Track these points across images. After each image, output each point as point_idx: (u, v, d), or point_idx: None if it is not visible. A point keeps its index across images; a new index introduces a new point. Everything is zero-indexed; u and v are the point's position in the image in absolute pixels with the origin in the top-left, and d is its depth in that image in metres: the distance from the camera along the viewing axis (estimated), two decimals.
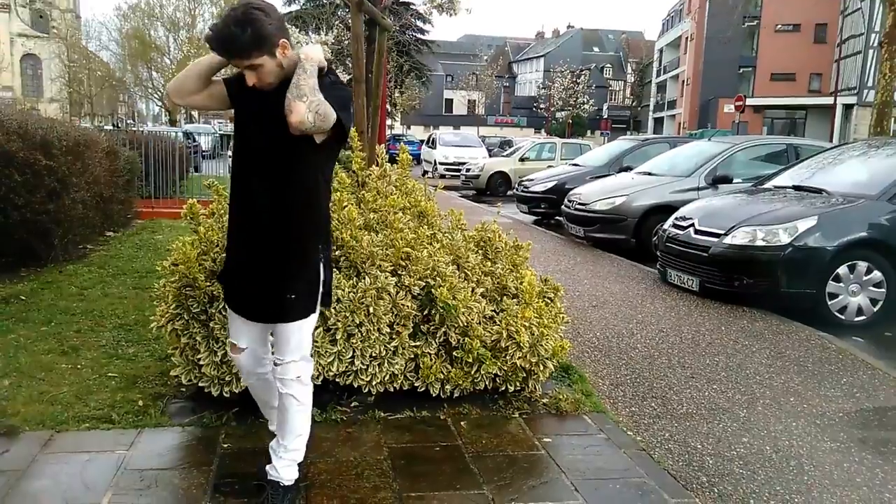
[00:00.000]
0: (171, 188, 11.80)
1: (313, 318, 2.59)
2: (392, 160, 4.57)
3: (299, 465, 2.70)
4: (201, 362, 3.37)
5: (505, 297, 3.80)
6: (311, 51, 2.38)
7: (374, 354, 3.47)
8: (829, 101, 36.05)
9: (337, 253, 3.56)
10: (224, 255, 2.83)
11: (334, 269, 3.42)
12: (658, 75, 67.19)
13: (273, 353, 2.63)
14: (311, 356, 2.69)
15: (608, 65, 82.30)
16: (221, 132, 26.34)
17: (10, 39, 61.99)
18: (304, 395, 2.60)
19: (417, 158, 27.69)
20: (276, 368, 2.58)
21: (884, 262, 5.95)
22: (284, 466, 2.63)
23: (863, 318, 5.95)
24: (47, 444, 3.11)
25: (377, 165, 4.33)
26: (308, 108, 2.24)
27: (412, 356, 3.56)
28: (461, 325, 3.55)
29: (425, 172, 24.93)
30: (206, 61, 2.47)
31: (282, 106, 2.27)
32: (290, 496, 2.63)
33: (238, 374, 3.37)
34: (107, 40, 56.65)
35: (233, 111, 2.58)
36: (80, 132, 7.64)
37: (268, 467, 2.65)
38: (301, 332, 2.54)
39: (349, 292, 3.42)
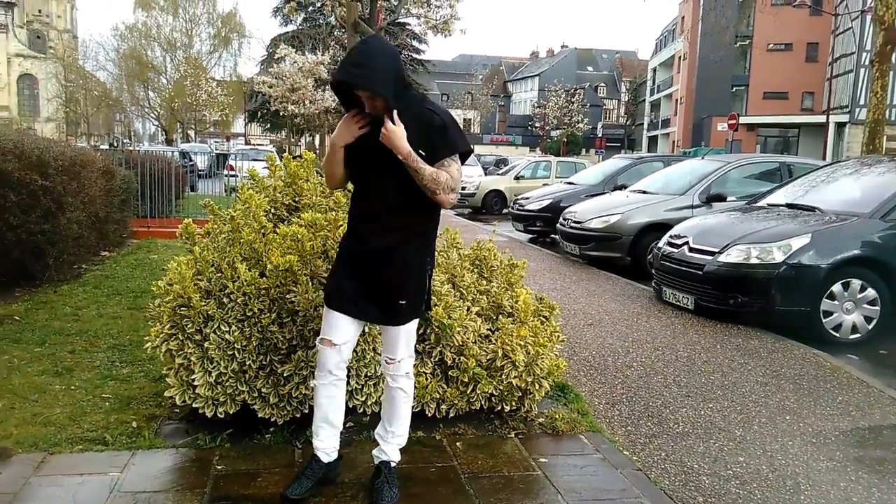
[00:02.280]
0: (166, 208, 11.80)
1: (416, 321, 2.93)
2: None
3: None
4: (196, 383, 3.35)
5: (500, 316, 3.81)
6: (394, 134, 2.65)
7: (369, 374, 3.46)
8: (821, 119, 36.28)
9: None
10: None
11: None
12: (652, 94, 67.68)
13: (382, 353, 2.96)
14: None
15: (602, 84, 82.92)
16: (217, 151, 26.42)
17: (7, 59, 62.30)
18: (411, 387, 2.96)
19: None
20: (388, 366, 2.90)
21: (877, 280, 5.97)
22: (394, 448, 2.97)
23: (857, 335, 5.96)
24: (40, 466, 3.08)
25: None
26: (448, 198, 2.71)
27: None
28: (456, 344, 3.54)
29: None
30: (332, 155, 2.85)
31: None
32: (396, 473, 2.96)
33: (232, 395, 3.36)
34: (104, 60, 56.79)
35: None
36: (76, 152, 7.65)
37: (375, 451, 2.99)
38: (409, 333, 2.90)
39: None
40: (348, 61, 2.64)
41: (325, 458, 2.92)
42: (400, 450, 3.01)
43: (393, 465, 2.95)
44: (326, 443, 2.92)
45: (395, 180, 2.69)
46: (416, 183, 2.67)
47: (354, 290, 2.80)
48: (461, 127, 2.88)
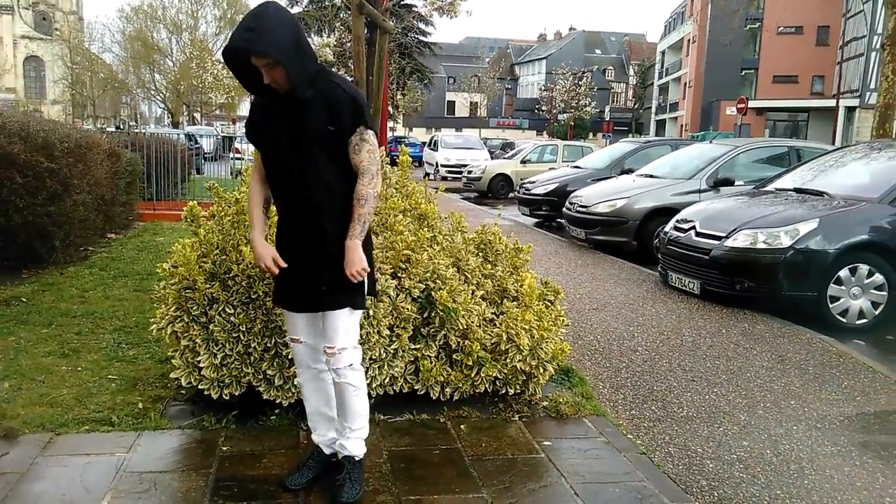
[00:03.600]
0: (172, 190, 11.82)
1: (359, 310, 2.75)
2: (393, 162, 4.56)
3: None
4: (201, 365, 3.37)
5: (505, 300, 3.80)
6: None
7: (373, 357, 3.47)
8: (831, 103, 35.99)
9: None
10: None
11: None
12: (660, 77, 67.18)
13: (324, 345, 2.74)
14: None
15: (610, 67, 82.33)
16: (224, 134, 26.39)
17: (13, 42, 62.19)
18: (359, 379, 2.76)
19: (420, 160, 27.71)
20: (329, 357, 2.70)
21: (885, 265, 5.94)
22: (355, 443, 2.81)
23: (864, 321, 5.94)
24: (47, 446, 3.11)
25: None
26: (378, 188, 2.62)
27: (412, 359, 3.56)
28: (461, 327, 3.54)
29: (427, 175, 24.95)
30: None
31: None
32: (362, 467, 2.86)
33: (238, 377, 3.38)
34: (109, 42, 56.91)
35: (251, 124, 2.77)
36: (82, 134, 7.66)
37: (337, 446, 2.86)
38: (349, 321, 2.70)
39: None
40: (241, 26, 2.46)
41: (327, 451, 2.91)
42: (364, 440, 2.86)
43: (357, 458, 2.82)
44: (325, 436, 2.91)
45: (309, 160, 2.57)
46: (329, 164, 2.58)
47: (287, 283, 2.71)
48: (365, 102, 2.72)
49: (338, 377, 2.71)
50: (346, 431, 2.80)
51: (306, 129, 2.56)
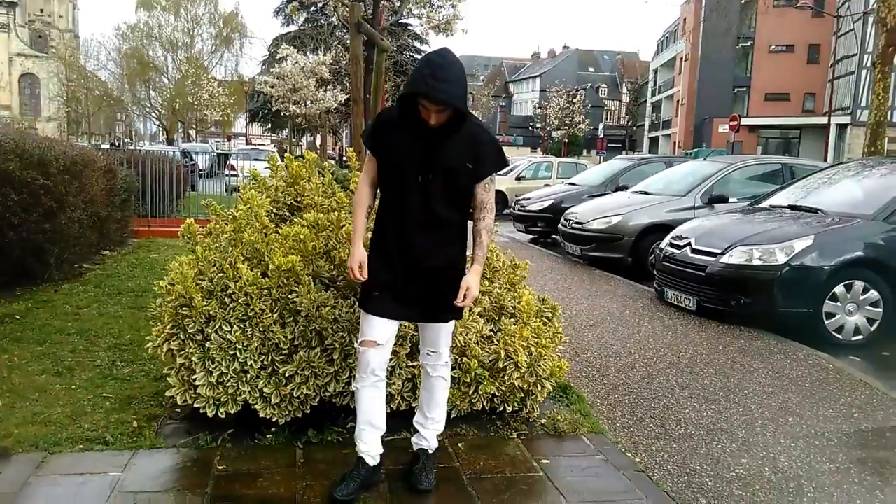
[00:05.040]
0: (168, 207, 11.80)
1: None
2: None
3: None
4: (197, 383, 3.34)
5: (503, 317, 3.79)
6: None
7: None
8: (823, 120, 36.30)
9: (334, 272, 3.55)
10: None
11: (332, 290, 3.45)
12: (653, 95, 67.64)
13: (422, 347, 3.06)
14: None
15: (603, 85, 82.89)
16: (219, 151, 26.42)
17: (9, 59, 62.35)
18: (449, 375, 3.13)
19: None
20: (429, 358, 3.02)
21: (880, 282, 5.95)
22: (433, 435, 3.10)
23: (860, 337, 5.94)
24: (41, 465, 3.08)
25: None
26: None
27: (409, 376, 3.54)
28: (459, 345, 3.53)
29: None
30: None
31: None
32: (435, 458, 3.13)
33: (234, 395, 3.35)
34: (105, 60, 56.82)
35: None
36: (78, 151, 7.64)
37: (414, 439, 3.13)
38: (448, 329, 3.03)
39: (346, 312, 3.41)
40: (429, 74, 2.61)
41: (372, 462, 2.95)
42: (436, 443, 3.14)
43: (431, 451, 3.10)
44: (371, 446, 2.95)
45: (440, 187, 2.79)
46: (462, 189, 2.85)
47: (394, 293, 2.87)
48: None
49: (434, 372, 3.03)
50: (429, 423, 3.08)
51: (446, 161, 2.77)
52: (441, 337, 2.99)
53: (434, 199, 2.80)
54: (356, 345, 2.98)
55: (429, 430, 3.09)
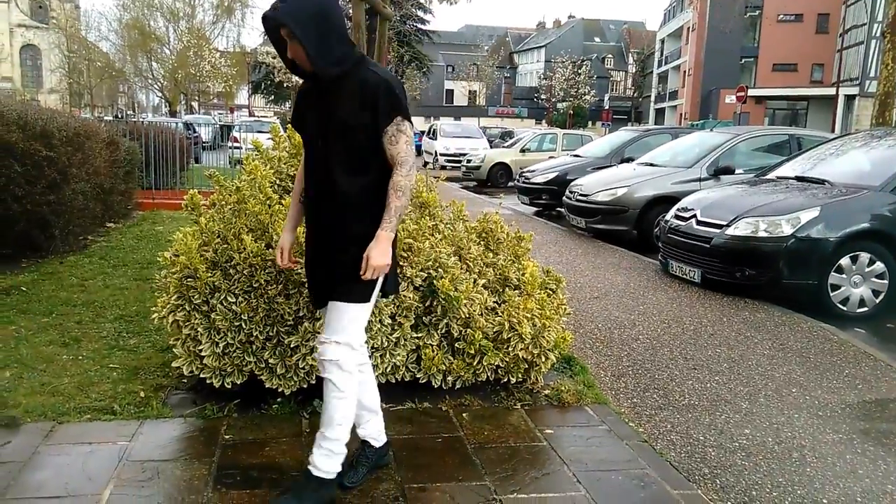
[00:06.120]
0: (171, 179, 11.78)
1: (367, 306, 2.56)
2: None
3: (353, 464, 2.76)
4: (203, 353, 3.36)
5: (507, 289, 3.79)
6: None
7: (375, 346, 3.46)
8: (831, 91, 35.90)
9: None
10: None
11: None
12: (659, 66, 66.96)
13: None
14: (363, 349, 2.65)
15: (609, 55, 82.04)
16: (221, 123, 26.29)
17: (10, 30, 61.88)
18: (344, 383, 2.51)
19: (418, 149, 27.64)
20: (318, 347, 2.55)
21: (886, 254, 5.93)
22: (321, 455, 2.57)
23: (865, 309, 5.94)
24: (49, 435, 3.11)
25: None
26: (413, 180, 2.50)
27: (414, 347, 3.56)
28: (463, 316, 3.54)
29: (426, 164, 24.89)
30: None
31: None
32: (320, 489, 2.58)
33: (240, 366, 3.37)
34: (106, 31, 56.32)
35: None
36: (80, 123, 7.62)
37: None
38: (346, 316, 2.51)
39: None
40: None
41: (376, 444, 2.84)
42: (334, 461, 2.59)
43: (314, 474, 2.56)
44: (370, 429, 2.83)
45: (340, 150, 2.47)
46: (362, 149, 2.46)
47: (313, 279, 2.66)
48: (403, 90, 2.53)
49: (322, 370, 2.54)
50: (320, 438, 2.57)
51: (338, 117, 2.45)
52: (331, 322, 2.53)
53: (334, 166, 2.48)
54: None
55: (319, 448, 2.57)
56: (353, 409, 2.60)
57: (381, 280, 2.54)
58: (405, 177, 2.44)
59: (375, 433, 2.86)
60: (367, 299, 2.54)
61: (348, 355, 2.51)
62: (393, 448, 3.08)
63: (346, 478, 2.74)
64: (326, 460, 2.57)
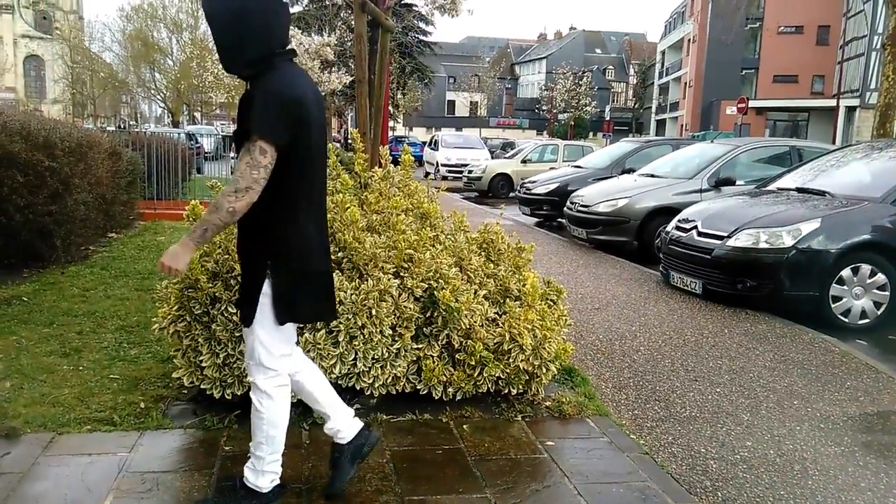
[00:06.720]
0: (173, 189, 11.80)
1: (268, 329, 2.48)
2: (394, 161, 4.55)
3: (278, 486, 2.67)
4: (203, 364, 3.36)
5: (508, 300, 3.79)
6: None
7: (376, 357, 3.46)
8: (831, 103, 35.99)
9: (339, 255, 3.55)
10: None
11: (337, 272, 3.42)
12: (660, 77, 67.17)
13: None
14: (278, 371, 2.57)
15: (610, 66, 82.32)
16: (224, 134, 26.37)
17: (14, 41, 62.17)
18: (267, 406, 2.54)
19: (420, 160, 27.70)
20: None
21: (887, 265, 5.93)
22: (248, 468, 2.63)
23: (866, 321, 5.93)
24: (49, 446, 3.10)
25: (380, 167, 4.32)
26: (239, 205, 2.29)
27: (414, 358, 3.55)
28: (464, 327, 3.53)
29: (427, 174, 24.93)
30: None
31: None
32: (249, 498, 2.60)
33: (240, 377, 3.37)
34: (110, 42, 56.89)
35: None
36: (83, 133, 7.64)
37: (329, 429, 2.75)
38: (251, 338, 2.51)
39: (351, 294, 3.41)
40: None
41: (342, 441, 2.76)
42: (265, 477, 2.59)
43: (245, 483, 2.60)
44: (331, 426, 2.78)
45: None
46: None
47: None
48: (280, 108, 2.29)
49: (251, 392, 2.58)
50: (250, 453, 2.62)
51: (237, 133, 2.38)
52: (246, 344, 2.57)
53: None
54: None
55: (248, 459, 2.63)
56: (276, 428, 2.59)
57: (267, 307, 2.44)
58: (225, 196, 2.29)
59: (336, 430, 2.77)
60: (253, 324, 2.47)
61: (260, 377, 2.54)
62: (393, 460, 3.08)
63: (329, 487, 2.75)
64: (252, 474, 2.62)
